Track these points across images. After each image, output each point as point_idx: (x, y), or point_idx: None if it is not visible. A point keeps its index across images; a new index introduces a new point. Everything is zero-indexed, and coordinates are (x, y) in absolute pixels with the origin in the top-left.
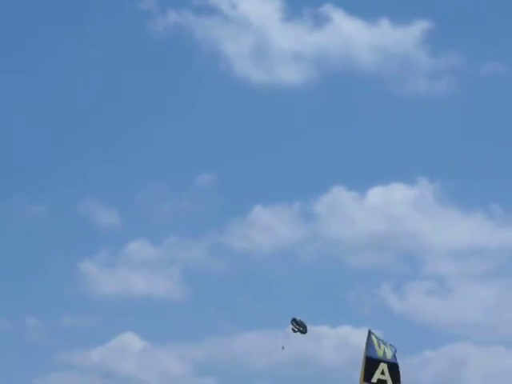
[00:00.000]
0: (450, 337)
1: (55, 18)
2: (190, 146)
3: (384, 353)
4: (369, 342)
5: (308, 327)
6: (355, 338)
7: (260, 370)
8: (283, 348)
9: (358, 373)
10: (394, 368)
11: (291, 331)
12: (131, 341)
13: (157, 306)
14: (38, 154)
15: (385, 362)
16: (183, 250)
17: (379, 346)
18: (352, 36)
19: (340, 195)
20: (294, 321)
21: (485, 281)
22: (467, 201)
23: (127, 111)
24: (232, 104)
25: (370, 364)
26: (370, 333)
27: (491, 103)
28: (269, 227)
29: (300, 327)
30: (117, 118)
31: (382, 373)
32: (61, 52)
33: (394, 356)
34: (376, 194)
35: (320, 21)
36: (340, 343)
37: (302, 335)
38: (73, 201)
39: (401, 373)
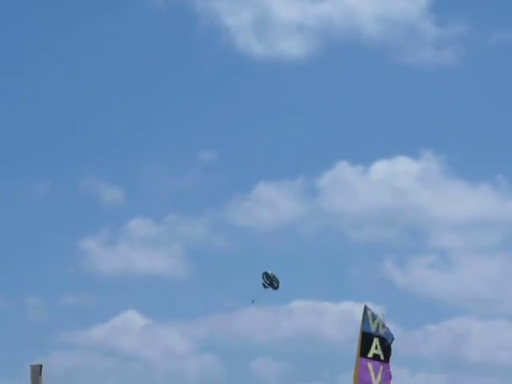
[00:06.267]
0: (453, 311)
1: None
2: (192, 122)
3: (377, 328)
4: (364, 317)
5: (311, 303)
6: (358, 314)
7: (262, 346)
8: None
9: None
10: (383, 342)
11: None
12: (133, 318)
13: (159, 283)
14: (40, 131)
15: (377, 336)
16: (185, 227)
17: (373, 321)
18: (356, 6)
19: (344, 169)
20: (266, 275)
21: (489, 254)
22: (472, 173)
23: (128, 87)
24: (234, 78)
25: (366, 339)
26: (365, 308)
27: (498, 73)
28: (272, 203)
29: (272, 282)
30: (118, 94)
31: (376, 347)
32: (59, 26)
33: (387, 332)
34: (380, 168)
35: None
36: (342, 318)
37: (274, 290)
38: (75, 178)
39: (392, 349)
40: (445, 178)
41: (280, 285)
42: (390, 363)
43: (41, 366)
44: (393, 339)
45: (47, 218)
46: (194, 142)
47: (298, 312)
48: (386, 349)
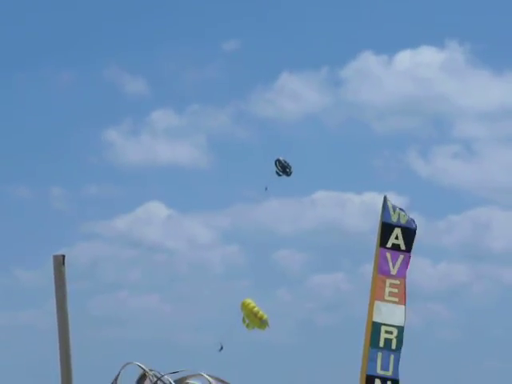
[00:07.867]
0: (475, 201)
1: None
2: (215, 11)
3: (398, 218)
4: (384, 208)
5: (334, 193)
6: (380, 204)
7: (285, 236)
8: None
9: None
10: (406, 232)
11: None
12: (156, 209)
13: (181, 174)
14: (64, 22)
15: (398, 226)
16: (208, 118)
17: (394, 212)
18: None
19: (368, 59)
20: (278, 161)
21: None
22: (498, 62)
23: None
24: None
25: (386, 229)
26: (385, 199)
27: None
28: (295, 94)
29: (285, 168)
30: None
31: (396, 237)
32: None
33: (410, 221)
34: (404, 58)
35: None
36: (365, 209)
37: (288, 177)
38: (97, 68)
39: (415, 238)
40: (470, 68)
41: (292, 170)
42: (411, 253)
43: (63, 256)
44: (415, 228)
45: (70, 108)
46: (216, 31)
47: (321, 203)
48: (408, 238)
